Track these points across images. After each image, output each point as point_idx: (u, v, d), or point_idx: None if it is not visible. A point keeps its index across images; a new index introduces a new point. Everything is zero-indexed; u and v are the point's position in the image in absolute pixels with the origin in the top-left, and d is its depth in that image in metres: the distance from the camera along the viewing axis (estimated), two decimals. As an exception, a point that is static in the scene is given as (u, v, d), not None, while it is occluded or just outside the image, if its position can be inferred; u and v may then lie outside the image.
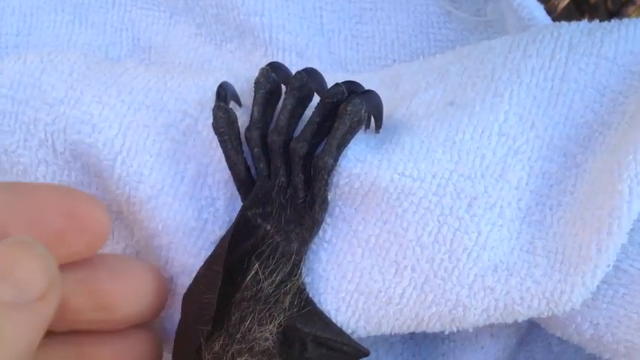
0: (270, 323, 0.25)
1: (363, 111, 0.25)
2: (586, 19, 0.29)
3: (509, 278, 0.26)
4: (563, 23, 0.29)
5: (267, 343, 0.25)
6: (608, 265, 0.25)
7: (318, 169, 0.25)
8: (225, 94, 0.26)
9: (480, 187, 0.26)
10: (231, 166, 0.26)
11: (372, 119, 0.26)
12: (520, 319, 0.26)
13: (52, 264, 0.21)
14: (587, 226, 0.25)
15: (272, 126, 0.26)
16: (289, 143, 0.25)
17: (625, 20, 0.28)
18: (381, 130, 0.27)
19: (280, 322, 0.25)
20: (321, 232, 0.27)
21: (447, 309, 0.26)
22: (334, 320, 0.27)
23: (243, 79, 0.28)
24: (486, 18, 0.33)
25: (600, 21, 0.29)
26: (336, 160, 0.25)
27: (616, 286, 0.27)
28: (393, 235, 0.26)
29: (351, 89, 0.26)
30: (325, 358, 0.26)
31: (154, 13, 0.35)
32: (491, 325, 0.32)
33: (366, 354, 0.26)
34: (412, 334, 0.34)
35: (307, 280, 0.27)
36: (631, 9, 0.33)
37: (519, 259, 0.26)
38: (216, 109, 0.25)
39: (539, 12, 0.31)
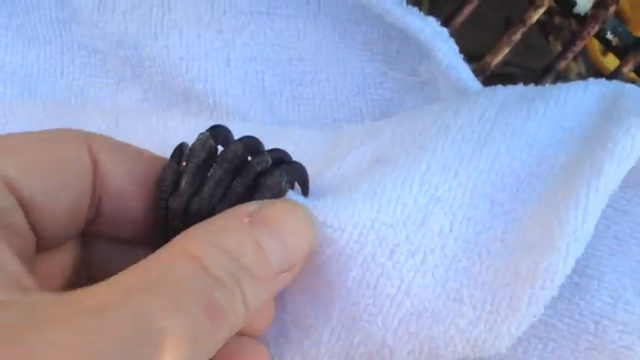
0: None
1: (283, 183, 0.25)
2: (519, 85, 0.30)
3: (433, 325, 0.26)
4: (499, 87, 0.30)
5: None
6: (535, 316, 0.25)
7: None
8: (179, 151, 0.26)
9: (401, 235, 0.26)
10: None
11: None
12: None
13: (313, 237, 0.24)
14: (520, 278, 0.25)
15: (195, 196, 0.25)
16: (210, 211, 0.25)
17: (559, 85, 0.29)
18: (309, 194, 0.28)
19: None
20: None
21: (374, 349, 0.27)
22: (272, 353, 0.28)
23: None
24: (420, 78, 0.34)
25: (565, 42, 0.30)
26: None
27: (546, 340, 0.28)
28: (322, 277, 0.27)
29: (277, 157, 0.26)
30: None
31: (101, 80, 0.36)
32: None
33: None
34: None
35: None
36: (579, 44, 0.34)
37: (445, 307, 0.26)
38: (166, 167, 0.25)
39: (467, 74, 0.32)
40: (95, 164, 0.24)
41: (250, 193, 0.25)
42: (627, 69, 0.34)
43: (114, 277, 0.19)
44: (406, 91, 0.34)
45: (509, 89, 0.29)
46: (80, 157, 0.23)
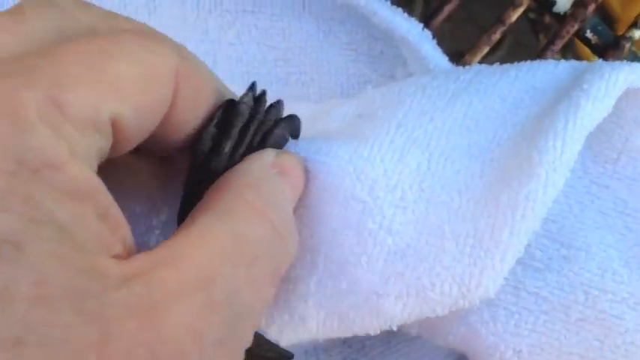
0: None
1: (286, 135, 0.27)
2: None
3: (417, 264, 0.26)
4: (475, 64, 0.31)
5: None
6: (520, 251, 0.25)
7: None
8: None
9: (379, 170, 0.26)
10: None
11: None
12: (438, 310, 0.26)
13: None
14: (500, 209, 0.25)
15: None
16: None
17: (536, 61, 0.30)
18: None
19: None
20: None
21: (361, 297, 0.26)
22: None
23: None
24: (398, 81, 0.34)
25: (550, 41, 0.30)
26: None
27: (537, 312, 0.27)
28: (306, 220, 0.27)
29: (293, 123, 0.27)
30: None
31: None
32: None
33: (290, 357, 0.27)
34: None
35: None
36: (559, 43, 0.35)
37: (427, 243, 0.26)
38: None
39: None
40: (175, 93, 0.23)
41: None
42: (606, 67, 0.35)
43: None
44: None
45: (485, 65, 0.30)
46: (167, 88, 0.22)
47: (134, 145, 0.23)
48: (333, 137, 0.28)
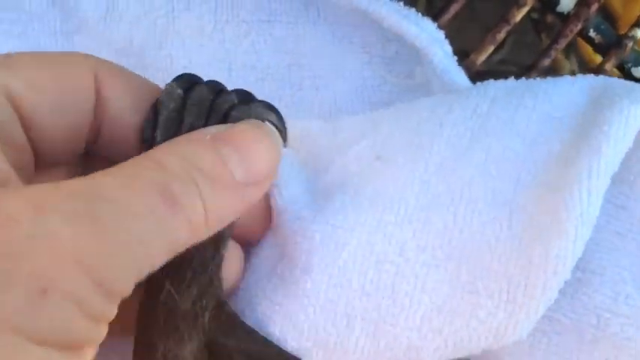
0: (190, 341, 0.25)
1: (252, 116, 0.26)
2: (510, 80, 0.31)
3: (454, 319, 0.27)
4: (491, 81, 0.31)
5: None
6: (550, 300, 0.27)
7: None
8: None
9: (408, 232, 0.27)
10: None
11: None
12: (473, 352, 0.28)
13: (278, 153, 0.25)
14: (533, 266, 0.26)
15: None
16: None
17: (547, 78, 0.30)
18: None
19: (200, 338, 0.25)
20: (272, 295, 0.28)
21: (400, 352, 0.27)
22: None
23: None
24: (416, 81, 0.35)
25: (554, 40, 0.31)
26: None
27: (550, 334, 0.29)
28: (340, 288, 0.27)
29: (242, 96, 0.27)
30: None
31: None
32: None
33: None
34: None
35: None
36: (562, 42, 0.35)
37: (463, 300, 0.27)
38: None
39: (460, 77, 0.33)
40: (99, 88, 0.25)
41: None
42: (610, 66, 0.36)
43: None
44: (404, 93, 0.35)
45: (500, 84, 0.30)
46: (84, 80, 0.25)
47: (65, 143, 0.25)
48: (356, 192, 0.28)
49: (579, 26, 0.36)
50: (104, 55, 0.36)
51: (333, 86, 0.35)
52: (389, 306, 0.27)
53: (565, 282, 0.27)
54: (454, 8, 0.37)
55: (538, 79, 0.31)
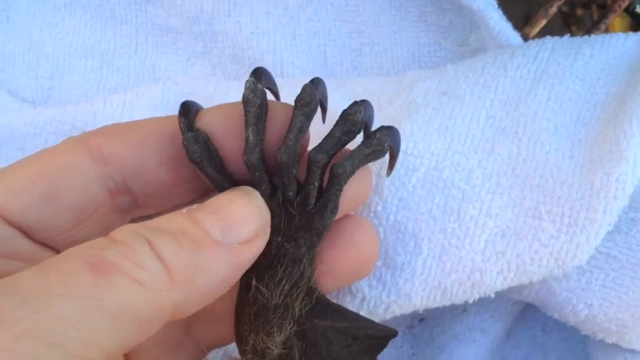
0: (281, 332, 0.25)
1: (386, 144, 0.25)
2: (566, 36, 0.32)
3: (517, 242, 0.28)
4: (548, 37, 0.32)
5: (277, 351, 0.25)
6: (610, 225, 0.28)
7: (336, 176, 0.25)
8: (187, 116, 0.25)
9: (474, 161, 0.29)
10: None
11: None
12: (534, 279, 0.28)
13: (265, 216, 0.23)
14: (594, 192, 0.28)
15: (281, 146, 0.24)
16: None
17: (602, 34, 0.32)
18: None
19: (291, 327, 0.25)
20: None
21: (465, 274, 0.29)
22: (367, 296, 0.29)
23: None
24: (471, 47, 0.37)
25: (603, 15, 0.33)
26: (353, 171, 0.25)
27: (607, 270, 0.30)
28: (408, 211, 0.29)
29: (367, 109, 0.26)
30: (355, 349, 0.26)
31: (172, 57, 0.39)
32: (483, 321, 0.35)
33: (394, 334, 0.26)
34: (411, 327, 0.35)
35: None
36: (611, 17, 0.37)
37: (526, 224, 0.28)
38: (185, 142, 0.24)
39: (516, 39, 0.35)
40: (102, 156, 0.24)
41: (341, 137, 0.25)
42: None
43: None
44: (458, 59, 0.37)
45: (557, 38, 0.32)
46: (76, 159, 0.24)
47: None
48: (425, 122, 0.30)
49: (627, 2, 0.38)
50: (175, 23, 0.38)
51: (390, 52, 0.37)
52: (455, 229, 0.28)
53: (620, 221, 0.29)
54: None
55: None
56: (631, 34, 0.33)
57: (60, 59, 0.38)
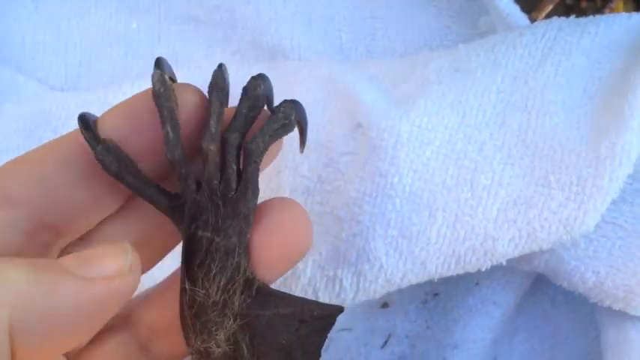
0: (222, 328, 0.25)
1: (293, 117, 0.24)
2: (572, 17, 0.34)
3: (528, 210, 0.30)
4: (554, 17, 0.34)
5: (220, 349, 0.25)
6: (615, 192, 0.29)
7: (250, 153, 0.24)
8: (89, 128, 0.23)
9: (485, 134, 0.30)
10: (152, 201, 0.24)
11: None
12: (544, 246, 0.30)
13: (132, 258, 0.22)
14: (600, 160, 0.29)
15: (205, 134, 0.24)
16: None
17: (606, 14, 0.34)
18: (397, 92, 0.32)
19: (232, 324, 0.25)
20: (362, 188, 0.31)
21: (478, 242, 0.30)
22: (384, 265, 0.31)
23: None
24: (480, 30, 0.38)
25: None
26: (266, 147, 0.24)
27: (613, 239, 0.32)
28: (423, 182, 0.30)
29: (265, 82, 0.25)
30: (304, 332, 0.25)
31: (194, 45, 0.40)
32: (494, 294, 0.36)
33: (341, 310, 0.25)
34: (425, 302, 0.37)
35: (356, 231, 0.31)
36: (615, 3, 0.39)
37: (536, 192, 0.30)
38: (100, 156, 0.23)
39: (524, 21, 0.36)
40: (8, 200, 0.23)
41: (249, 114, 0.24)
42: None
43: None
44: (467, 42, 0.39)
45: (563, 19, 0.34)
46: None
47: None
48: (438, 97, 0.31)
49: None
50: (197, 12, 0.40)
51: (403, 36, 0.39)
52: (468, 199, 0.30)
53: (625, 192, 0.30)
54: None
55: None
56: (634, 13, 0.34)
57: (87, 48, 0.40)
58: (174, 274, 0.26)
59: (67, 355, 0.24)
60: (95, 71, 0.40)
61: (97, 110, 0.25)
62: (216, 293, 0.24)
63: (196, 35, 0.40)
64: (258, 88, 0.24)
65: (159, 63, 0.24)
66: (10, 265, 0.20)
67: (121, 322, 0.26)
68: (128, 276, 0.22)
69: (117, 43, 0.40)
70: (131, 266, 0.22)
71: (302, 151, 0.26)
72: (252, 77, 0.24)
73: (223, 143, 0.24)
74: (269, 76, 0.25)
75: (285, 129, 0.25)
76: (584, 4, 0.50)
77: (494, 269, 0.34)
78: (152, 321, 0.26)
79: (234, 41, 0.40)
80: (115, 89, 0.36)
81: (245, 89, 0.24)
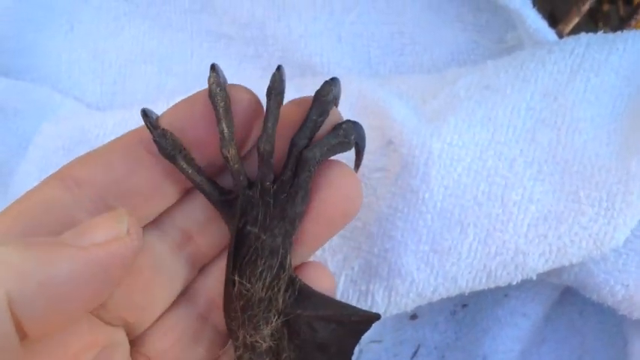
0: (267, 324, 0.25)
1: (352, 137, 0.25)
2: (599, 33, 0.34)
3: (558, 226, 0.30)
4: (582, 33, 0.34)
5: (266, 344, 0.26)
6: None
7: (306, 161, 0.25)
8: (151, 119, 0.25)
9: (516, 150, 0.31)
10: (202, 190, 0.26)
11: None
12: (574, 260, 0.30)
13: (126, 220, 0.23)
14: (630, 176, 0.29)
15: (262, 135, 0.24)
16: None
17: (634, 30, 0.34)
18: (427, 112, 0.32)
19: (277, 320, 0.26)
20: (394, 204, 0.31)
21: (509, 257, 0.30)
22: (415, 279, 0.31)
23: None
24: (507, 45, 0.39)
25: (612, 28, 0.35)
26: (322, 158, 0.25)
27: None
28: (454, 198, 0.31)
29: (336, 87, 0.26)
30: (339, 334, 0.26)
31: (225, 61, 0.41)
32: (524, 306, 0.37)
33: (377, 317, 0.26)
34: (454, 314, 0.37)
35: (387, 246, 0.31)
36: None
37: (566, 208, 0.30)
38: (157, 137, 0.24)
39: (552, 36, 0.37)
40: (75, 182, 0.24)
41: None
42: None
43: None
44: (495, 56, 0.39)
45: (591, 34, 0.34)
46: (50, 191, 0.24)
47: None
48: (468, 114, 0.32)
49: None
50: (228, 29, 0.41)
51: (430, 51, 0.39)
52: (499, 215, 0.30)
53: None
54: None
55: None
56: (661, 29, 0.34)
57: (122, 66, 0.41)
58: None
59: (130, 331, 0.26)
60: (130, 89, 0.41)
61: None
62: (262, 290, 0.25)
63: (227, 52, 0.41)
64: (330, 93, 0.25)
65: (214, 68, 0.25)
66: (1, 247, 0.21)
67: (180, 297, 0.27)
68: (126, 239, 0.23)
69: (150, 61, 0.41)
70: (128, 230, 0.23)
71: (356, 172, 0.27)
72: (326, 82, 0.25)
73: (292, 145, 0.25)
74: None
75: (343, 147, 0.26)
76: (606, 8, 0.50)
77: (524, 281, 0.34)
78: (210, 293, 0.27)
79: (265, 57, 0.41)
80: (150, 107, 0.37)
81: (317, 94, 0.25)
